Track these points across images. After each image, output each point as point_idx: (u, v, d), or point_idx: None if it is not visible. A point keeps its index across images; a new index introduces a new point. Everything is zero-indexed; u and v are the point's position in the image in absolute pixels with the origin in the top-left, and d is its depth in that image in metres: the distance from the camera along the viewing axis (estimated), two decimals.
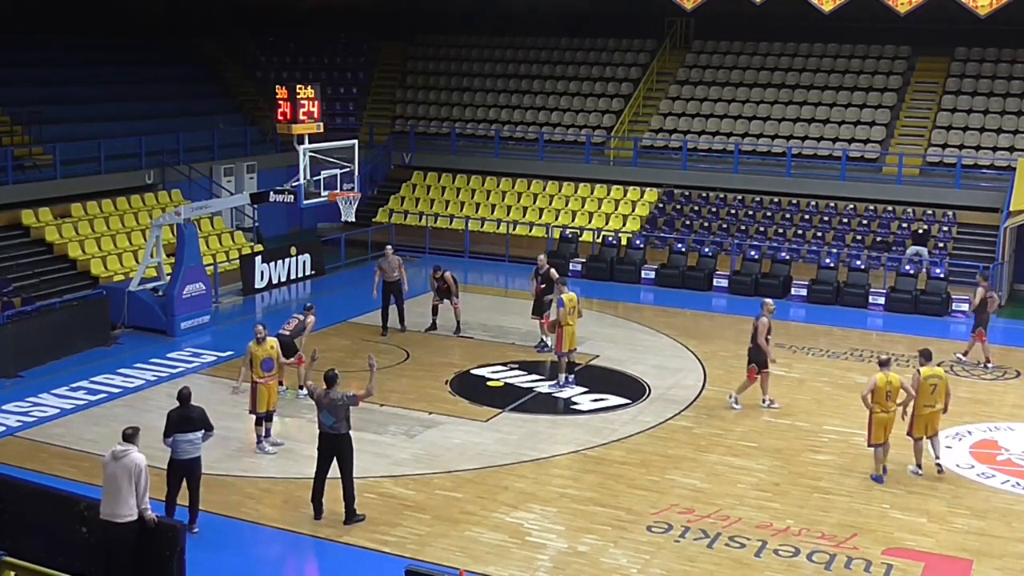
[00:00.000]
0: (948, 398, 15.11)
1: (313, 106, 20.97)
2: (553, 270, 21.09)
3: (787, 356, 20.86)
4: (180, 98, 32.12)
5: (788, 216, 28.97)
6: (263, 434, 15.69)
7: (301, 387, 16.88)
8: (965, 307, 24.41)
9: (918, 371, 14.92)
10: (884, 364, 14.84)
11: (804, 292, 25.45)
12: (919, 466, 15.06)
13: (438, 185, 32.77)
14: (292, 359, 17.68)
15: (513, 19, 35.72)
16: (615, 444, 16.14)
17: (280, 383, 18.01)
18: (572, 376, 18.74)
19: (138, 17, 34.15)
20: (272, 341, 15.98)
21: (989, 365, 20.43)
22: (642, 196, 30.46)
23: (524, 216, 30.83)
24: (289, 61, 36.45)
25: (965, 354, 20.77)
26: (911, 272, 25.18)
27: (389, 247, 22.62)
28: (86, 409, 17.17)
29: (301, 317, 18.10)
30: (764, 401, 17.78)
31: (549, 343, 20.00)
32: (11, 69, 28.11)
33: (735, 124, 31.75)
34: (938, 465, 15.08)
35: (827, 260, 26.11)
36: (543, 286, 20.79)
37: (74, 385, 18.26)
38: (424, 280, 22.46)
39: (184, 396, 12.80)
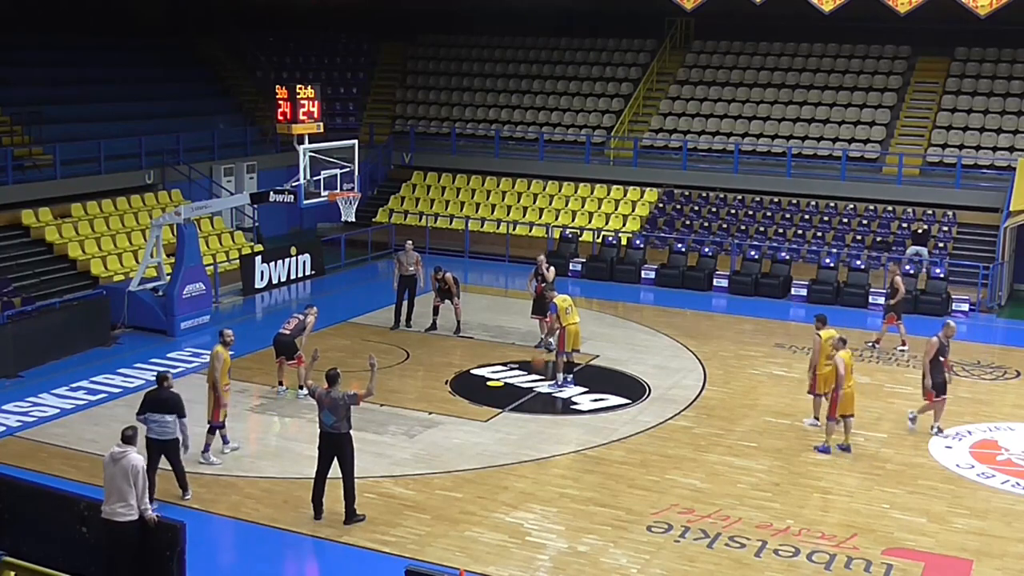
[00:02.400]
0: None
1: (313, 106, 20.98)
2: (552, 269, 21.09)
3: (787, 356, 20.89)
4: (180, 98, 32.12)
5: (788, 216, 28.97)
6: (213, 442, 15.14)
7: (301, 387, 16.87)
8: (965, 307, 24.49)
9: (818, 335, 16.59)
10: (843, 342, 16.14)
11: (804, 292, 25.46)
12: (816, 419, 16.80)
13: (438, 185, 32.77)
14: (292, 359, 17.69)
15: (513, 19, 35.69)
16: (615, 444, 16.13)
17: (280, 382, 18.06)
18: (571, 376, 18.73)
19: (138, 17, 34.15)
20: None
21: (905, 347, 20.96)
22: (642, 196, 30.46)
23: (524, 216, 30.83)
24: (289, 61, 36.44)
25: (878, 342, 21.28)
26: (911, 272, 25.17)
27: (410, 242, 22.94)
28: (86, 409, 17.17)
29: (301, 317, 18.11)
30: (933, 428, 16.62)
31: (553, 341, 20.03)
32: (11, 69, 28.10)
33: (735, 124, 31.75)
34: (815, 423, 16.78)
35: (827, 260, 26.11)
36: (543, 285, 20.81)
37: (74, 385, 18.25)
38: (425, 280, 22.49)
39: (159, 377, 13.44)
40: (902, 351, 20.96)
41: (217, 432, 15.15)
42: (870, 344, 21.30)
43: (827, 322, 16.92)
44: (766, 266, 26.53)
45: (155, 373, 13.93)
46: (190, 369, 19.41)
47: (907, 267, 25.35)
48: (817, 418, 16.74)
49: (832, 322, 18.92)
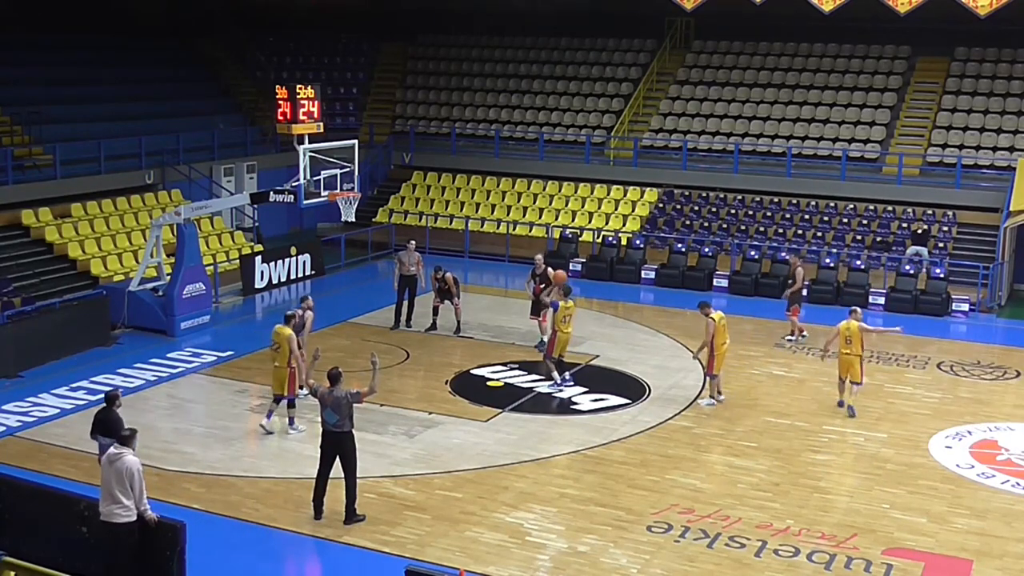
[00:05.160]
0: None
1: (313, 106, 20.97)
2: (551, 269, 21.05)
3: (787, 356, 20.90)
4: (180, 98, 32.11)
5: (788, 216, 28.97)
6: (295, 415, 16.30)
7: (301, 387, 16.87)
8: (965, 307, 24.48)
9: (710, 319, 17.63)
10: (851, 313, 17.67)
11: (804, 292, 25.38)
12: (713, 397, 18.02)
13: (438, 185, 32.77)
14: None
15: (513, 19, 35.71)
16: (615, 444, 16.14)
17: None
18: (568, 375, 18.67)
19: (138, 17, 34.15)
20: None
21: (804, 335, 21.72)
22: (642, 196, 30.46)
23: (524, 216, 30.83)
24: (289, 61, 36.44)
25: (792, 334, 21.87)
26: (911, 272, 25.18)
27: (412, 242, 22.87)
28: (86, 409, 17.10)
29: (300, 312, 18.04)
30: None
31: (545, 339, 20.10)
32: (11, 69, 28.09)
33: (735, 124, 31.75)
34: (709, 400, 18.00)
35: (827, 260, 26.11)
36: (542, 286, 20.78)
37: (74, 385, 18.24)
38: (425, 280, 22.49)
39: (108, 398, 13.12)
40: (790, 340, 21.70)
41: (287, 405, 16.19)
42: (787, 338, 21.83)
43: (711, 305, 18.09)
44: (766, 266, 26.52)
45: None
46: (190, 369, 19.43)
47: (907, 267, 25.37)
48: (713, 396, 17.93)
49: (831, 321, 19.00)
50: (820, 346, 18.98)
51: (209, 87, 34.81)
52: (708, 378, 18.14)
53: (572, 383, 18.63)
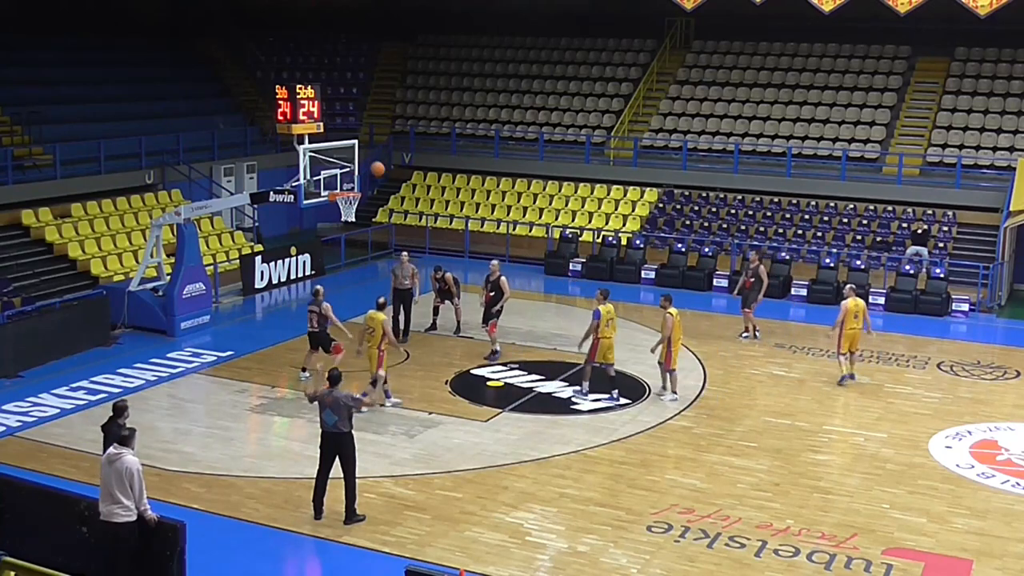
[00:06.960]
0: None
1: (313, 106, 20.95)
2: (503, 278, 20.65)
3: (787, 356, 20.89)
4: (180, 98, 32.11)
5: (788, 216, 28.97)
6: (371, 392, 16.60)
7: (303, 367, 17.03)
8: (965, 307, 24.48)
9: (668, 314, 17.88)
10: (850, 291, 19.30)
11: (804, 292, 25.45)
12: (675, 392, 18.22)
13: (438, 185, 32.77)
14: (329, 351, 18.16)
15: (513, 19, 35.71)
16: (615, 444, 16.13)
17: (303, 368, 18.36)
18: (586, 386, 18.27)
19: (138, 17, 34.15)
20: None
21: (758, 334, 22.02)
22: (642, 196, 30.46)
23: (524, 216, 30.83)
24: (289, 61, 36.45)
25: (747, 331, 22.16)
26: (911, 272, 25.18)
27: (405, 253, 22.16)
28: (86, 409, 17.14)
29: (317, 309, 18.20)
30: None
31: (498, 349, 20.15)
32: (11, 69, 28.09)
33: (735, 124, 31.75)
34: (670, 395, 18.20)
35: (827, 260, 26.10)
36: (492, 294, 20.54)
37: (74, 385, 18.23)
38: (425, 280, 22.46)
39: (116, 408, 12.67)
40: (745, 337, 21.97)
41: (379, 385, 16.89)
42: (743, 335, 22.09)
43: (672, 300, 18.26)
44: (766, 266, 26.46)
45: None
46: (190, 369, 19.42)
47: (907, 267, 25.37)
48: (675, 391, 18.11)
49: (833, 323, 19.06)
50: (834, 329, 19.25)
51: (209, 87, 34.81)
52: (668, 374, 18.15)
53: (617, 399, 18.00)
